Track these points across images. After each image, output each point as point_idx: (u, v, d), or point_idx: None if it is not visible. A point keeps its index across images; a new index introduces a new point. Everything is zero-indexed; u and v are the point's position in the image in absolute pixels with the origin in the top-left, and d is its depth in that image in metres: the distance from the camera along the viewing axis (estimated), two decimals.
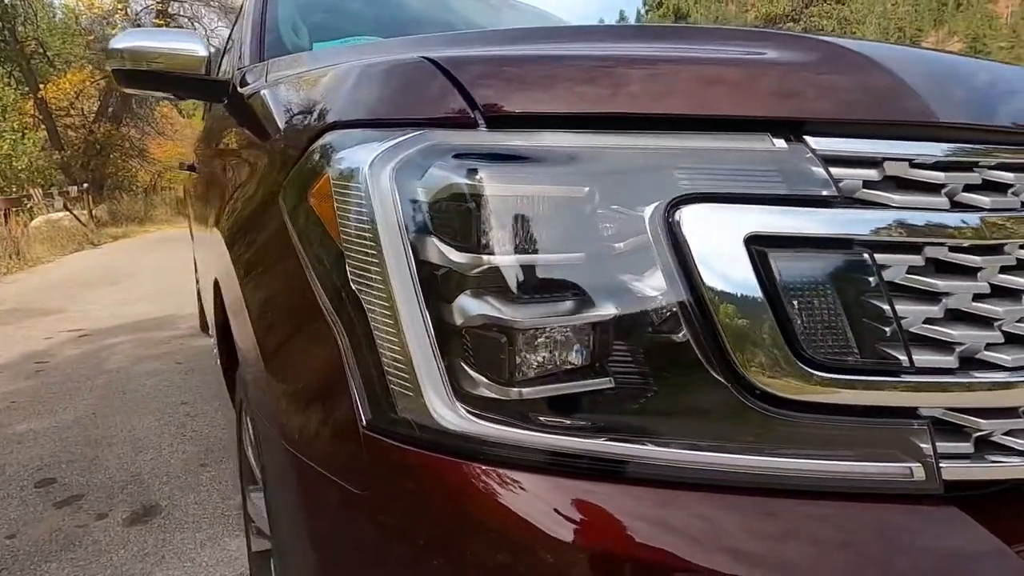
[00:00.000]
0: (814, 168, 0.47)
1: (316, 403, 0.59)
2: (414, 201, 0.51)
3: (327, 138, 0.60)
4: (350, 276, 0.54)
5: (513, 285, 0.48)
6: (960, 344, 0.47)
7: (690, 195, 0.46)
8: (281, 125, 0.81)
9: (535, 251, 0.48)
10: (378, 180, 0.52)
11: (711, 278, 0.45)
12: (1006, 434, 0.49)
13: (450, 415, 0.49)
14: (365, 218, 0.52)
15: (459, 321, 0.49)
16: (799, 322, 0.45)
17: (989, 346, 0.48)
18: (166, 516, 1.81)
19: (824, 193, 0.47)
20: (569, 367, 0.49)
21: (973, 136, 0.51)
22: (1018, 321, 0.49)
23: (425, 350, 0.49)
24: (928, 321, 0.47)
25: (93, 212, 11.64)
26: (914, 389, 0.46)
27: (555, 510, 0.46)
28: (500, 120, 0.50)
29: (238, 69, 1.46)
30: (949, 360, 0.47)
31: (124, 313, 4.43)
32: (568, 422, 0.48)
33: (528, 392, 0.48)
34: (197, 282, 3.80)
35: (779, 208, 0.46)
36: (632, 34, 0.65)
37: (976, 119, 0.52)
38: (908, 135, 0.50)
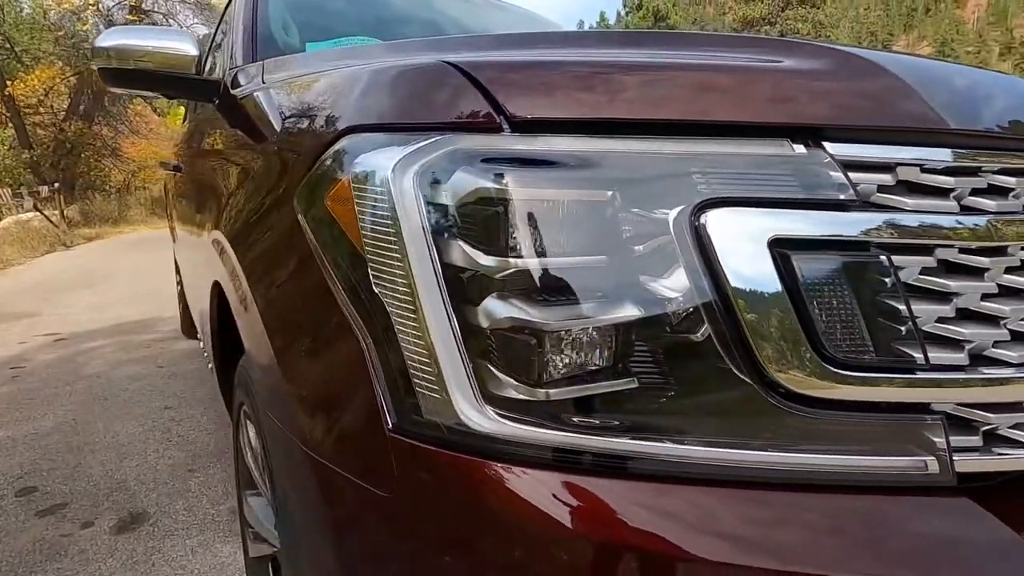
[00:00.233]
0: (833, 173, 0.49)
1: (339, 407, 0.59)
2: (439, 205, 0.51)
3: (344, 142, 0.59)
4: (372, 280, 0.54)
5: (541, 287, 0.48)
6: (970, 342, 0.49)
7: (716, 199, 0.47)
8: (287, 128, 0.80)
9: (562, 254, 0.49)
10: (401, 184, 0.52)
11: (737, 280, 0.46)
12: (1012, 427, 0.51)
13: (478, 417, 0.49)
14: (388, 222, 0.52)
15: (485, 323, 0.49)
16: (821, 322, 0.46)
17: (996, 343, 0.50)
18: (155, 523, 1.77)
19: (842, 197, 0.48)
20: (595, 368, 0.49)
21: (977, 142, 0.54)
22: (1022, 319, 0.51)
23: (451, 352, 0.50)
24: (940, 320, 0.49)
25: (65, 213, 11.33)
26: (928, 385, 0.48)
27: (582, 507, 0.47)
28: (524, 124, 0.51)
29: (230, 69, 1.44)
30: (960, 357, 0.49)
31: (101, 316, 4.33)
32: (594, 422, 0.49)
33: (555, 393, 0.48)
34: (178, 284, 3.73)
35: (801, 212, 0.47)
36: (653, 40, 0.66)
37: (980, 126, 0.54)
38: (918, 141, 0.51)
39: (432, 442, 0.50)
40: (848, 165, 0.49)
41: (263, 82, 1.13)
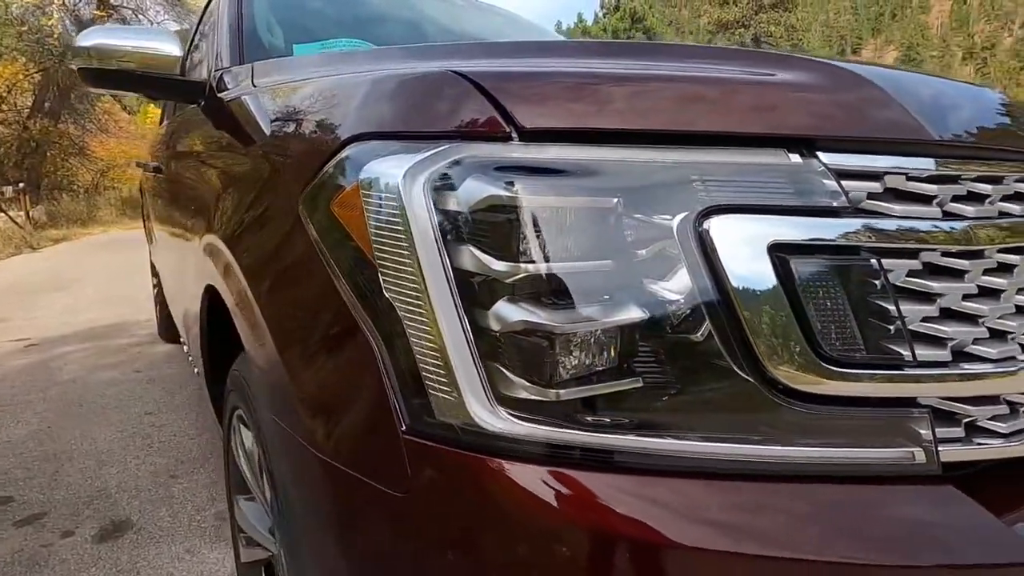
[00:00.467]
0: (826, 181, 0.52)
1: (350, 409, 0.60)
2: (450, 211, 0.52)
3: (351, 149, 0.60)
4: (383, 285, 0.55)
5: (551, 291, 0.50)
6: (952, 339, 0.52)
7: (718, 206, 0.50)
8: (285, 133, 0.80)
9: (570, 259, 0.50)
10: (411, 191, 0.53)
11: (738, 283, 0.49)
12: (990, 419, 0.54)
13: (490, 417, 0.50)
14: (399, 228, 0.53)
15: (497, 327, 0.50)
16: (816, 321, 0.49)
17: (976, 340, 0.54)
18: (138, 531, 1.74)
19: (835, 204, 0.51)
20: (602, 368, 0.51)
21: (957, 151, 0.57)
22: (999, 318, 0.55)
23: (464, 355, 0.51)
24: (925, 319, 0.52)
25: (30, 214, 10.98)
26: (915, 381, 0.51)
27: (591, 502, 0.48)
28: (533, 134, 0.52)
29: (215, 70, 1.42)
30: (944, 354, 0.52)
31: (74, 320, 4.21)
32: (603, 420, 0.51)
33: (565, 393, 0.50)
34: (155, 287, 3.65)
35: (797, 218, 0.50)
36: (653, 53, 0.68)
37: (959, 136, 0.57)
38: (903, 151, 0.55)
39: (445, 442, 0.52)
40: (840, 173, 0.52)
41: (253, 85, 1.13)
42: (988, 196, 0.57)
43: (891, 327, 0.50)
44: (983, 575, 0.47)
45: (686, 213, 0.50)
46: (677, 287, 0.50)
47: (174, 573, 1.55)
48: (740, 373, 0.50)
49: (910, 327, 0.52)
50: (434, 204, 0.52)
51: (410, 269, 0.53)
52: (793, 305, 0.49)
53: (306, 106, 0.78)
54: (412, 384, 0.54)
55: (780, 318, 0.49)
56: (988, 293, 0.55)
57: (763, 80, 0.57)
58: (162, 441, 2.31)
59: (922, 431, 0.51)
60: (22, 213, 10.41)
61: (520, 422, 0.50)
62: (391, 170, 0.55)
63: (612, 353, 0.51)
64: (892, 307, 0.50)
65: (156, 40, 1.38)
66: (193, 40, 2.40)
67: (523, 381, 0.50)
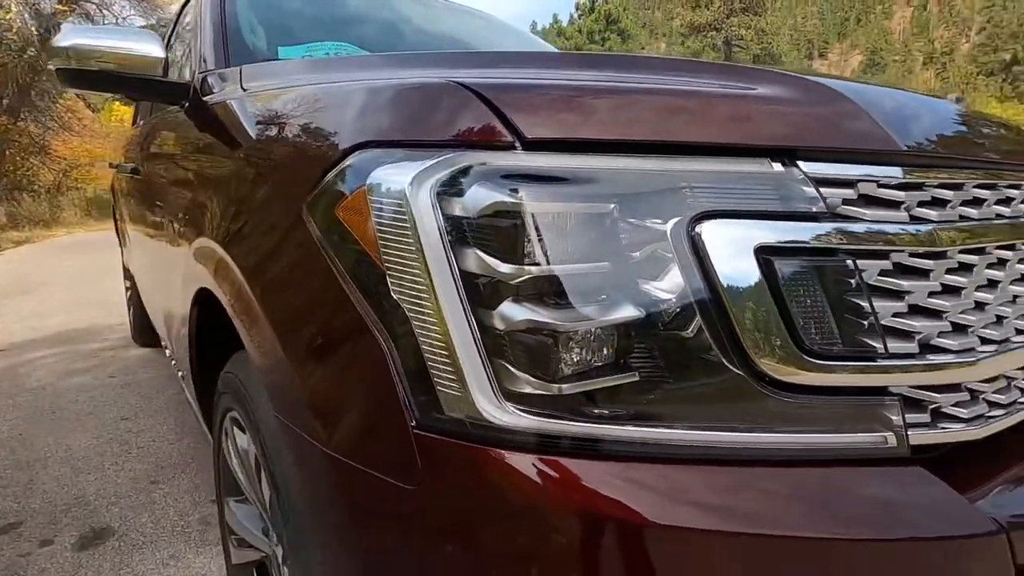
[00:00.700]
0: (806, 188, 0.56)
1: (360, 407, 0.62)
2: (455, 217, 0.55)
3: (357, 156, 0.63)
4: (391, 286, 0.57)
5: (554, 292, 0.53)
6: (919, 333, 0.57)
7: (709, 212, 0.54)
8: (285, 139, 0.82)
9: (571, 261, 0.54)
10: (418, 197, 0.56)
11: (728, 282, 0.53)
12: (953, 405, 0.59)
13: (497, 411, 0.53)
14: (406, 232, 0.56)
15: (502, 326, 0.53)
16: (799, 318, 0.53)
17: (940, 334, 0.59)
18: (120, 538, 1.72)
19: (814, 209, 0.56)
20: (601, 363, 0.55)
21: (922, 160, 0.62)
22: (960, 313, 0.60)
23: (471, 353, 0.54)
24: (896, 315, 0.57)
25: None
26: (887, 371, 0.55)
27: (592, 488, 0.52)
28: (535, 144, 0.55)
29: (200, 72, 1.42)
30: (912, 347, 0.57)
31: (42, 325, 4.09)
32: (603, 412, 0.54)
33: (567, 388, 0.53)
34: (128, 289, 3.57)
35: (781, 223, 0.54)
36: (643, 65, 0.72)
37: (923, 146, 0.62)
38: (874, 160, 0.59)
39: (454, 436, 0.55)
40: (818, 181, 0.57)
41: (243, 89, 1.13)
42: (950, 201, 0.63)
43: (865, 322, 0.55)
44: (948, 547, 0.52)
45: (679, 218, 0.54)
46: (670, 287, 0.54)
47: None
48: (729, 366, 0.54)
49: (882, 322, 0.56)
50: (440, 209, 0.55)
51: (417, 271, 0.56)
52: (777, 303, 0.53)
53: (303, 113, 0.80)
54: (421, 381, 0.56)
55: (766, 315, 0.53)
56: (950, 291, 0.60)
57: (746, 94, 0.61)
58: (140, 447, 2.27)
59: (893, 417, 0.55)
60: None
61: (525, 415, 0.53)
62: (397, 177, 0.58)
63: (610, 349, 0.54)
64: (866, 304, 0.55)
65: (137, 41, 1.36)
66: (170, 40, 2.37)
67: (528, 377, 0.53)
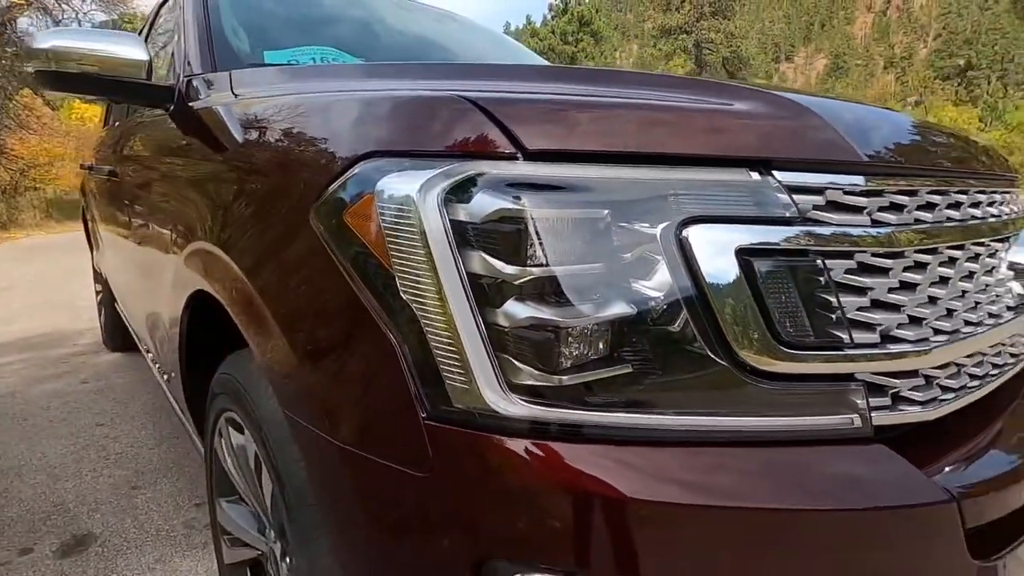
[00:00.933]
0: (780, 195, 0.62)
1: (372, 401, 0.65)
2: (462, 222, 0.59)
3: (365, 164, 0.66)
4: (400, 287, 0.61)
5: (554, 291, 0.58)
6: (880, 325, 0.63)
7: (694, 217, 0.59)
8: (287, 146, 0.84)
9: (570, 262, 0.58)
10: (425, 203, 0.60)
11: (712, 281, 0.58)
12: (910, 390, 0.66)
13: (503, 402, 0.58)
14: (415, 236, 0.60)
15: (507, 323, 0.58)
16: (775, 312, 0.59)
17: (899, 326, 0.65)
18: (103, 543, 1.70)
19: (787, 214, 0.62)
20: (597, 356, 0.59)
21: (881, 169, 0.69)
22: (916, 307, 0.67)
23: (478, 349, 0.58)
24: (859, 309, 0.63)
25: None
26: (853, 360, 0.62)
27: (592, 471, 0.57)
28: (536, 154, 0.60)
29: (184, 76, 1.42)
30: (874, 337, 0.63)
31: (7, 331, 3.96)
32: (599, 400, 0.59)
33: (567, 379, 0.58)
34: (98, 293, 3.49)
35: (758, 227, 0.60)
36: (634, 80, 0.77)
37: (881, 156, 0.69)
38: (840, 169, 0.66)
39: (463, 425, 0.59)
40: (791, 188, 0.63)
41: (234, 95, 1.15)
42: (906, 206, 0.69)
43: (833, 315, 0.61)
44: (908, 515, 0.58)
45: (667, 222, 0.59)
46: (660, 286, 0.59)
47: None
48: (713, 357, 0.59)
49: (848, 315, 0.62)
50: (447, 215, 0.59)
51: (426, 273, 0.60)
52: (756, 299, 0.59)
53: (305, 122, 0.83)
54: (430, 376, 0.60)
55: (745, 310, 0.58)
56: (907, 287, 0.67)
57: (726, 109, 0.67)
58: (119, 453, 2.24)
59: (858, 401, 0.62)
60: None
61: (529, 405, 0.58)
62: (405, 184, 0.62)
63: (605, 343, 0.59)
64: (834, 299, 0.61)
65: (119, 43, 1.36)
66: (145, 41, 2.34)
67: (531, 370, 0.58)
